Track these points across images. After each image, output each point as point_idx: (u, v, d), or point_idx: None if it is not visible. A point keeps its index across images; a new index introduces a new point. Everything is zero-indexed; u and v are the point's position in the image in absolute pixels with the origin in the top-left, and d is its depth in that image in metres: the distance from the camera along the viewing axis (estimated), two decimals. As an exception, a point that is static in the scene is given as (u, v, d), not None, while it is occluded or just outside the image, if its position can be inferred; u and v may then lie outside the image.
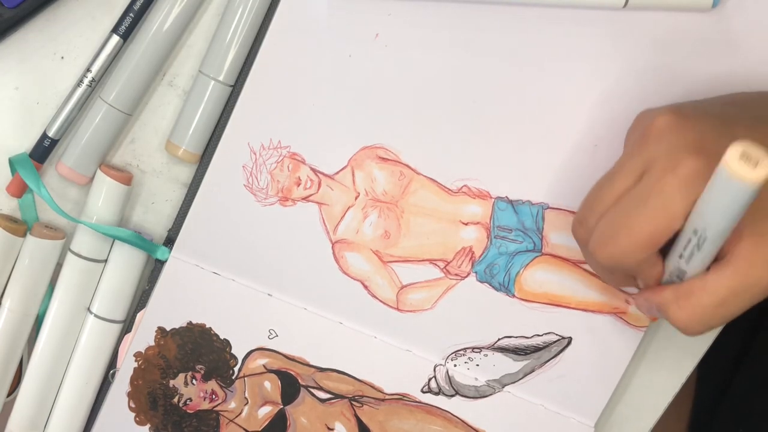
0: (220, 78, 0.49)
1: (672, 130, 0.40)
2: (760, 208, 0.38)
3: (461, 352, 0.52)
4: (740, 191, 0.34)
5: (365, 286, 0.51)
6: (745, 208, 0.36)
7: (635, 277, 0.44)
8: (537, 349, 0.52)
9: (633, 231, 0.40)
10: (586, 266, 0.51)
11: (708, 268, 0.40)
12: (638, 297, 0.45)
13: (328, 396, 0.53)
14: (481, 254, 0.51)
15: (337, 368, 0.52)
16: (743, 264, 0.39)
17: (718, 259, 0.40)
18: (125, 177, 0.50)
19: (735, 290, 0.40)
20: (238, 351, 0.52)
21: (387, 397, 0.53)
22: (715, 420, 0.86)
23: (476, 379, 0.52)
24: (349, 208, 0.51)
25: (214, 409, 0.53)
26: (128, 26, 0.48)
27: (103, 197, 0.50)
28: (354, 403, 0.53)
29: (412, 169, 0.50)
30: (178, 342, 0.52)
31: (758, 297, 0.40)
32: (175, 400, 0.53)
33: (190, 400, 0.53)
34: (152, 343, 0.52)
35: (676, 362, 0.53)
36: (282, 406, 0.53)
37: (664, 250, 0.42)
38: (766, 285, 0.40)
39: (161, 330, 0.52)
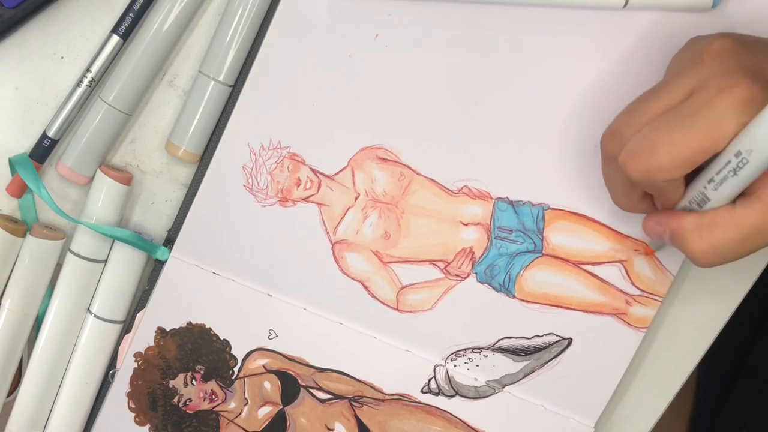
0: (220, 78, 0.49)
1: (730, 53, 0.40)
2: None
3: (461, 352, 0.52)
4: None
5: (365, 287, 0.51)
6: None
7: (653, 199, 0.44)
8: (537, 349, 0.52)
9: (677, 146, 0.39)
10: (587, 267, 0.51)
11: (733, 202, 0.40)
12: (651, 219, 0.44)
13: (327, 396, 0.53)
14: (482, 255, 0.51)
15: (337, 368, 0.52)
16: None
17: (745, 194, 0.40)
18: (125, 177, 0.50)
19: (761, 227, 0.39)
20: (238, 351, 0.52)
21: (387, 397, 0.53)
22: (718, 420, 0.86)
23: (476, 379, 0.52)
24: (349, 208, 0.51)
25: (214, 409, 0.53)
26: (128, 26, 0.48)
27: (103, 197, 0.50)
28: (354, 403, 0.53)
29: (413, 170, 0.50)
30: (178, 342, 0.52)
31: None
32: (175, 400, 0.53)
33: (190, 400, 0.53)
34: (152, 344, 0.52)
35: (676, 362, 0.53)
36: (282, 407, 0.53)
37: (688, 177, 0.41)
38: None
39: (161, 330, 0.52)
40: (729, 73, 0.38)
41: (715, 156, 0.39)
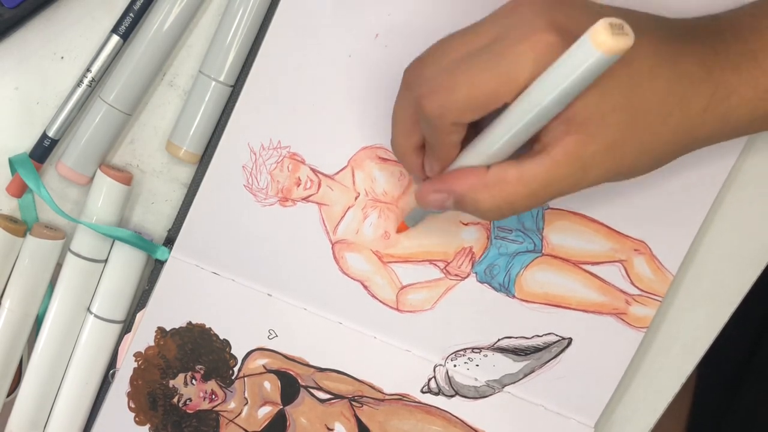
0: (220, 78, 0.49)
1: (542, 4, 0.39)
2: (597, 111, 0.39)
3: (461, 352, 0.52)
4: (596, 57, 0.34)
5: (365, 287, 0.51)
6: (590, 81, 0.36)
7: (430, 151, 0.43)
8: (537, 349, 0.52)
9: (475, 87, 0.39)
10: (587, 267, 0.51)
11: (518, 157, 0.41)
12: (429, 187, 0.43)
13: (327, 396, 0.53)
14: (481, 255, 0.51)
15: (336, 368, 0.52)
16: (563, 159, 0.39)
17: (533, 148, 0.40)
18: (125, 177, 0.50)
19: (547, 183, 0.40)
20: (238, 351, 0.52)
21: (387, 397, 0.53)
22: (721, 425, 0.85)
23: (476, 379, 0.52)
24: (349, 208, 0.51)
25: (214, 409, 0.53)
26: (128, 26, 0.48)
27: (103, 197, 0.50)
28: (354, 403, 0.53)
29: (412, 170, 0.50)
30: (178, 342, 0.52)
31: (561, 193, 0.41)
32: (175, 400, 0.53)
33: (190, 400, 0.53)
34: (152, 343, 0.52)
35: (676, 363, 0.53)
36: (282, 407, 0.53)
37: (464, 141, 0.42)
38: (573, 183, 0.40)
39: (161, 330, 0.52)
40: (536, 23, 0.38)
41: (501, 110, 0.39)
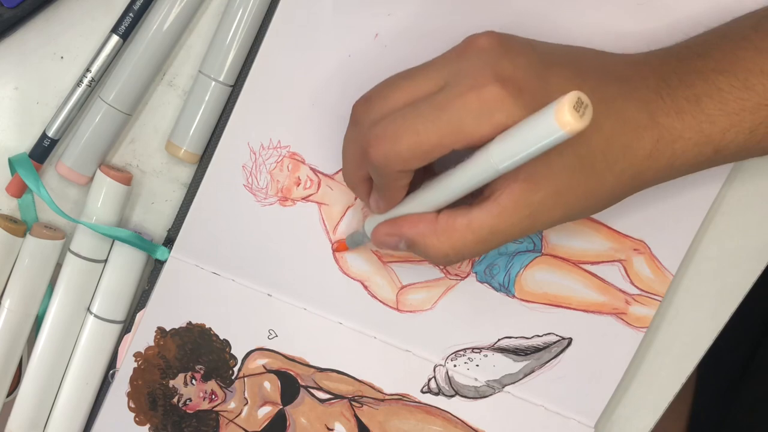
0: (220, 78, 0.49)
1: (490, 52, 0.40)
2: (542, 158, 0.38)
3: (461, 352, 0.52)
4: (559, 135, 0.35)
5: (365, 287, 0.51)
6: (544, 151, 0.36)
7: (377, 191, 0.44)
8: (537, 349, 0.52)
9: (419, 137, 0.39)
10: (586, 266, 0.51)
11: (469, 204, 0.41)
12: (380, 232, 0.44)
13: (327, 396, 0.53)
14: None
15: (336, 368, 0.52)
16: (511, 206, 0.40)
17: (480, 196, 0.41)
18: (125, 177, 0.50)
19: (496, 230, 0.41)
20: (238, 351, 0.52)
21: (387, 397, 0.53)
22: (722, 426, 0.85)
23: (476, 379, 0.52)
24: (348, 208, 0.51)
25: (214, 409, 0.53)
26: (128, 26, 0.48)
27: (103, 197, 0.50)
28: (354, 403, 0.53)
29: (412, 170, 0.50)
30: (178, 342, 0.52)
31: (510, 239, 0.41)
32: (175, 400, 0.53)
33: (190, 400, 0.53)
34: (152, 344, 0.52)
35: (676, 362, 0.53)
36: (282, 407, 0.53)
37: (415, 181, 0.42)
38: (521, 230, 0.41)
39: (161, 330, 0.52)
40: (482, 72, 0.39)
41: (449, 155, 0.40)
